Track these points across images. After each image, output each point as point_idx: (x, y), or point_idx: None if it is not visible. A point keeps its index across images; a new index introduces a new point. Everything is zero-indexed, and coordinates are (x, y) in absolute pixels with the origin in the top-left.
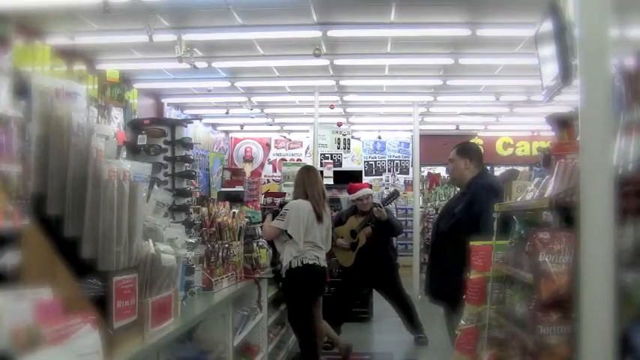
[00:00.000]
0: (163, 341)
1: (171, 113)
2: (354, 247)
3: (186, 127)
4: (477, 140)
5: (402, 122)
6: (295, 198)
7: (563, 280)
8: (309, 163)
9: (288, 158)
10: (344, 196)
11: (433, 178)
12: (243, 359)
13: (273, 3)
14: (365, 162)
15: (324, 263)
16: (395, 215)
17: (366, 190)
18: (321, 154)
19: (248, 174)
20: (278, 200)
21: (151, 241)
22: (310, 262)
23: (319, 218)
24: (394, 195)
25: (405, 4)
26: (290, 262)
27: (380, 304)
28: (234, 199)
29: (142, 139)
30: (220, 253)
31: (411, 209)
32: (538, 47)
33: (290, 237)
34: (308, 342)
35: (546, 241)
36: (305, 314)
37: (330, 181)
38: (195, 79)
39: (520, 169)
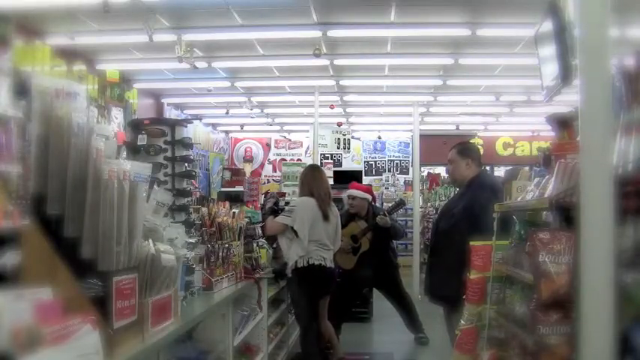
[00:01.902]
0: (163, 341)
1: (171, 113)
2: (356, 251)
3: (186, 127)
4: (477, 140)
5: (402, 122)
6: (300, 196)
7: (563, 280)
8: (310, 163)
9: (288, 158)
10: (345, 195)
11: (433, 178)
12: (243, 359)
13: (273, 3)
14: (365, 162)
15: (330, 264)
16: (396, 215)
17: (353, 192)
18: (321, 154)
19: (248, 174)
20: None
21: (151, 241)
22: (316, 263)
23: (325, 217)
24: (400, 204)
25: (405, 4)
26: (296, 262)
27: (380, 304)
28: (234, 199)
29: (142, 139)
30: (220, 253)
31: (411, 209)
32: (538, 47)
33: (296, 234)
34: (310, 341)
35: (546, 241)
36: (309, 313)
37: (331, 181)
38: (195, 79)
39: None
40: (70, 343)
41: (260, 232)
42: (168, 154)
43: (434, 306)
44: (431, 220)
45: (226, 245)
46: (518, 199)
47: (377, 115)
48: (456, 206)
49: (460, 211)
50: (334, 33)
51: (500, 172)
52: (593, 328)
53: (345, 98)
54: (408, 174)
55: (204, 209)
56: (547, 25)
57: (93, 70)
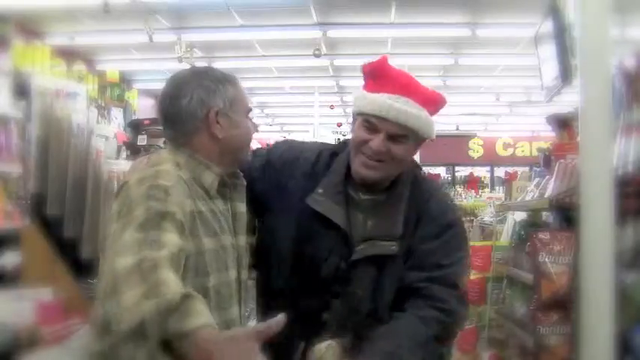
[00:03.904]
0: None
1: None
2: None
3: None
4: (476, 140)
5: None
6: None
7: (563, 281)
8: None
9: None
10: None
11: (433, 179)
12: None
13: (273, 3)
14: None
15: None
16: None
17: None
18: None
19: None
20: None
21: None
22: None
23: None
24: None
25: (405, 4)
26: None
27: None
28: None
29: (142, 139)
30: None
31: None
32: (538, 47)
33: None
34: None
35: (546, 242)
36: None
37: None
38: None
39: (520, 169)
40: (69, 343)
41: None
42: None
43: None
44: None
45: None
46: (518, 199)
47: None
48: None
49: None
50: (334, 33)
51: (500, 172)
52: (593, 328)
53: (345, 98)
54: None
55: None
56: (547, 25)
57: (93, 70)
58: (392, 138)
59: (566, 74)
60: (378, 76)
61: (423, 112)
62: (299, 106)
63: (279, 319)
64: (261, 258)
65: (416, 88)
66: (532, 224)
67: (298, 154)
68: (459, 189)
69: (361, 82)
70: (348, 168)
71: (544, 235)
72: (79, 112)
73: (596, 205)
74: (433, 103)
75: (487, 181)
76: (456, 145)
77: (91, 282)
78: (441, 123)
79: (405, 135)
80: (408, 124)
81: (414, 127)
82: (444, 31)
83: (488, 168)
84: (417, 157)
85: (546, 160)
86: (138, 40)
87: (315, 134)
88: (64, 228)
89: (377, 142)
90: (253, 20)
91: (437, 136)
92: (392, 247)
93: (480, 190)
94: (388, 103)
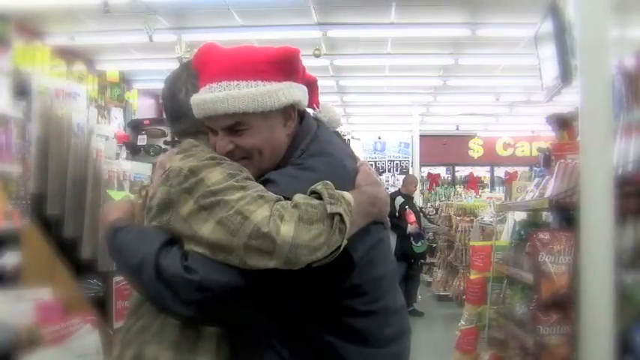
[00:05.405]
0: None
1: None
2: None
3: None
4: (476, 140)
5: (402, 122)
6: None
7: (563, 281)
8: None
9: None
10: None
11: (433, 179)
12: None
13: (273, 3)
14: None
15: None
16: None
17: None
18: None
19: None
20: None
21: None
22: None
23: None
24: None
25: (405, 4)
26: None
27: None
28: None
29: (142, 139)
30: None
31: None
32: (538, 47)
33: None
34: None
35: (546, 242)
36: None
37: None
38: None
39: (520, 169)
40: (70, 343)
41: None
42: None
43: (433, 306)
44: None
45: None
46: (518, 199)
47: (377, 115)
48: None
49: None
50: (334, 33)
51: (500, 172)
52: (593, 328)
53: (345, 98)
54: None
55: None
56: (547, 25)
57: (93, 71)
58: (231, 131)
59: (566, 74)
60: (198, 71)
61: (252, 85)
62: None
63: None
64: None
65: (231, 64)
66: (532, 224)
67: None
68: (459, 189)
69: (361, 81)
70: None
71: (544, 235)
72: (79, 112)
73: (596, 205)
74: (270, 65)
75: (487, 181)
76: (456, 145)
77: (91, 282)
78: (441, 123)
79: (238, 122)
80: (234, 110)
81: (242, 109)
82: (444, 31)
83: (488, 168)
84: (417, 158)
85: (546, 160)
86: (138, 40)
87: None
88: (64, 228)
89: (219, 143)
90: (253, 20)
91: (437, 136)
92: None
93: (480, 190)
94: (202, 99)
